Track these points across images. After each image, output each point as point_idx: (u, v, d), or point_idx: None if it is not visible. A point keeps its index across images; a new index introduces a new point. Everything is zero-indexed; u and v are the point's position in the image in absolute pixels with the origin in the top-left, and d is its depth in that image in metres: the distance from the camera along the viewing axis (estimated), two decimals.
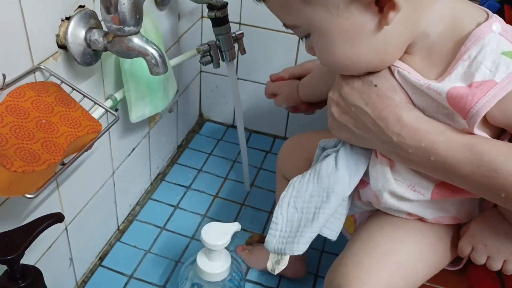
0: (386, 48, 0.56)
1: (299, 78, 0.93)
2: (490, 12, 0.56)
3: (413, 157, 0.57)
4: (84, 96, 0.71)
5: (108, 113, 0.90)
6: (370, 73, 0.60)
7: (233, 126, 1.45)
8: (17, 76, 0.63)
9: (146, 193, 1.19)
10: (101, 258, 1.03)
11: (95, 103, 0.72)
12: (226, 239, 0.82)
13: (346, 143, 0.67)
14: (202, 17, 1.26)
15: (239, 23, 1.24)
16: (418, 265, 0.66)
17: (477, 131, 0.54)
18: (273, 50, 1.27)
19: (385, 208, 0.68)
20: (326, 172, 0.66)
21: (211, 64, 1.02)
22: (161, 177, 1.24)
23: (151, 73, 0.72)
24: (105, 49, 0.72)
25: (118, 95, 0.89)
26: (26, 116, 0.59)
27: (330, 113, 0.66)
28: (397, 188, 0.63)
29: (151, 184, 1.21)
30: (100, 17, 0.73)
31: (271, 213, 1.18)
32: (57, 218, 0.61)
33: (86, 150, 0.66)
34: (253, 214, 1.18)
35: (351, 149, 0.67)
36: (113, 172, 0.99)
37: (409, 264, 0.65)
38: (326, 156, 0.69)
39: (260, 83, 1.35)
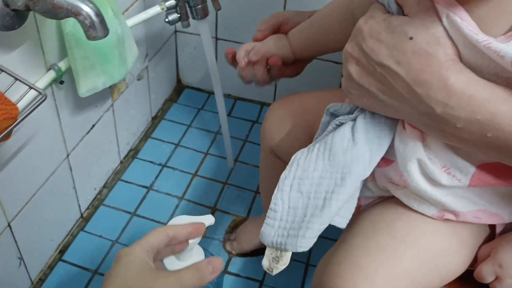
0: None
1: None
2: None
3: (462, 133, 0.43)
4: (1, 70, 0.55)
5: (55, 90, 0.75)
6: (404, 19, 0.45)
7: None
8: None
9: (115, 173, 1.05)
10: (61, 252, 0.90)
11: (16, 79, 0.56)
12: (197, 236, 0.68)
13: (366, 110, 0.52)
14: None
15: None
16: (430, 275, 0.52)
17: None
18: (257, 5, 1.10)
19: (408, 197, 0.54)
20: (341, 146, 0.52)
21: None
22: (132, 154, 1.10)
23: (87, 37, 0.56)
24: (27, 9, 0.56)
25: (63, 64, 0.74)
26: None
27: (346, 73, 0.50)
28: (430, 168, 0.49)
29: (121, 162, 1.07)
30: None
31: (257, 192, 1.05)
32: None
33: (2, 139, 0.52)
34: (237, 195, 1.05)
35: (372, 117, 0.52)
36: (68, 155, 0.85)
37: (419, 273, 0.52)
38: (338, 126, 0.54)
39: (243, 43, 1.18)
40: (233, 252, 0.94)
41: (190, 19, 0.87)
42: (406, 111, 0.46)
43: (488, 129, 0.41)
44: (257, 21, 1.14)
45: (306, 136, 0.70)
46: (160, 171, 1.08)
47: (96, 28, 0.55)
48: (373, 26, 0.46)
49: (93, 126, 0.91)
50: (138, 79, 1.05)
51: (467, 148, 0.46)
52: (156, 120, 1.19)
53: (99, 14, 0.55)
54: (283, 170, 0.55)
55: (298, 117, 0.73)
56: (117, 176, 1.05)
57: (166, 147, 1.14)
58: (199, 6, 0.85)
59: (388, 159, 0.53)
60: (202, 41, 0.92)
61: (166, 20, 0.85)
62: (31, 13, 0.62)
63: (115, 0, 0.74)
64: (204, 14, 0.87)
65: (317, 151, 0.53)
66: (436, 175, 0.49)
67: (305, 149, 0.54)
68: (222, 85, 1.01)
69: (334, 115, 0.57)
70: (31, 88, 0.56)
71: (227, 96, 1.25)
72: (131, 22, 0.82)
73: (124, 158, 1.08)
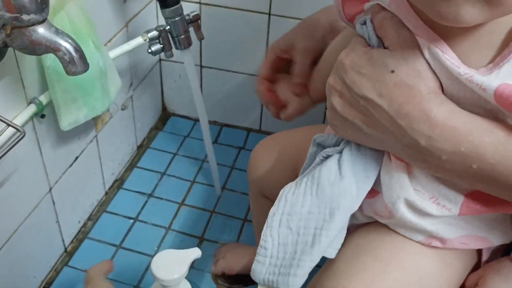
0: None
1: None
2: None
3: (447, 165, 0.43)
4: None
5: (37, 123, 0.74)
6: (385, 52, 0.45)
7: None
8: None
9: (100, 205, 1.03)
10: None
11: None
12: (183, 271, 0.67)
13: (352, 142, 0.52)
14: None
15: (199, 3, 1.07)
16: None
17: None
18: (240, 32, 1.11)
19: (395, 226, 0.54)
20: (328, 180, 0.51)
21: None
22: (118, 184, 1.08)
23: (67, 72, 0.56)
24: (5, 45, 0.56)
25: (44, 98, 0.73)
26: None
27: (330, 105, 0.50)
28: (418, 200, 0.49)
29: (106, 193, 1.05)
30: None
31: (245, 220, 1.04)
32: None
33: None
34: (225, 223, 1.03)
35: (357, 150, 0.52)
36: (50, 188, 0.83)
37: None
38: (325, 158, 0.54)
39: (227, 70, 1.18)
40: (218, 273, 0.91)
41: (174, 49, 0.87)
42: (390, 143, 0.46)
43: (472, 160, 0.41)
44: (241, 48, 1.15)
45: (293, 174, 0.69)
46: (146, 201, 1.06)
47: (76, 63, 0.55)
48: (355, 59, 0.46)
49: (77, 158, 0.89)
50: (123, 109, 1.04)
51: (453, 179, 0.46)
52: (141, 149, 1.18)
53: (78, 49, 0.55)
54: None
55: (283, 156, 0.73)
56: (102, 207, 1.03)
57: (152, 176, 1.12)
58: (182, 36, 0.85)
59: (374, 189, 0.53)
60: (185, 66, 0.91)
61: (149, 51, 0.84)
62: (10, 48, 0.61)
63: (96, 32, 0.74)
64: (187, 44, 0.87)
65: (304, 186, 0.52)
66: (424, 206, 0.49)
67: (293, 183, 0.54)
68: (208, 111, 1.01)
69: (320, 146, 0.57)
70: (8, 125, 0.55)
71: (212, 123, 1.24)
72: (113, 53, 0.81)
73: (109, 188, 1.06)
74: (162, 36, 0.84)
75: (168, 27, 0.84)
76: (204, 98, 0.99)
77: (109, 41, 0.91)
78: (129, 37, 0.99)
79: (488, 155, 0.40)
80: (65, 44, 0.54)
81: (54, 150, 0.81)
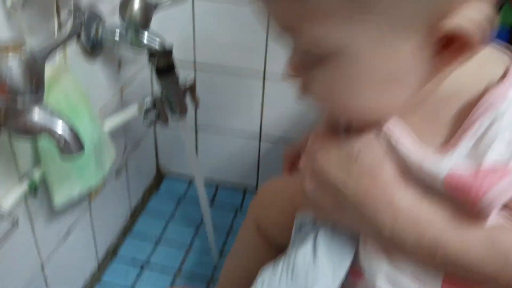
0: (400, 100, 0.41)
1: None
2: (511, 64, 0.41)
3: (412, 254, 0.43)
4: None
5: (29, 199, 0.71)
6: (349, 134, 0.45)
7: None
8: None
9: (93, 277, 0.98)
10: None
11: None
12: None
13: (328, 222, 0.51)
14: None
15: (194, 64, 1.07)
16: None
17: (495, 216, 0.40)
18: (235, 94, 1.11)
19: None
20: (303, 265, 0.51)
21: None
22: (111, 254, 1.04)
23: (61, 154, 0.53)
24: None
25: (37, 173, 0.70)
26: None
27: (302, 187, 0.50)
28: (401, 281, 0.47)
29: (99, 265, 1.00)
30: None
31: None
32: None
33: None
34: None
35: (333, 230, 0.51)
36: (42, 265, 0.79)
37: None
38: (303, 238, 0.53)
39: (223, 130, 1.17)
40: None
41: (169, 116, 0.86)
42: (359, 227, 0.46)
43: (436, 249, 0.41)
44: (233, 108, 1.14)
45: (291, 217, 0.69)
46: (141, 270, 1.02)
47: (70, 146, 0.53)
48: (322, 144, 0.46)
49: (69, 231, 0.86)
50: (117, 174, 1.01)
51: (422, 265, 0.45)
52: (135, 213, 1.14)
53: (73, 131, 0.53)
54: (262, 252, 0.53)
55: (286, 197, 0.73)
56: (95, 280, 0.98)
57: (147, 243, 1.08)
58: (177, 104, 0.84)
59: (359, 272, 0.51)
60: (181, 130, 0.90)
61: (145, 120, 0.83)
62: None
63: (90, 105, 0.72)
64: (183, 111, 0.86)
65: (281, 269, 0.52)
66: (407, 285, 0.47)
67: (271, 266, 0.54)
68: (203, 170, 0.99)
69: (301, 225, 0.57)
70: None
71: (208, 181, 1.22)
72: (108, 125, 0.80)
73: (103, 259, 1.02)
74: (158, 104, 0.83)
75: (164, 94, 0.83)
76: (200, 157, 0.98)
77: (104, 107, 0.89)
78: (124, 102, 0.98)
79: (451, 245, 0.40)
80: (60, 127, 0.52)
81: (46, 225, 0.78)
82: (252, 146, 1.19)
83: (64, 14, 0.71)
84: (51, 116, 0.52)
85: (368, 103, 0.40)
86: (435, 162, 0.40)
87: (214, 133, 1.19)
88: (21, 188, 0.68)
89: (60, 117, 0.52)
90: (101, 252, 1.01)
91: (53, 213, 0.79)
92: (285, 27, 0.38)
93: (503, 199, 0.38)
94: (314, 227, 0.55)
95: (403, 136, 0.42)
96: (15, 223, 0.52)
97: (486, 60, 0.41)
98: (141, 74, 1.04)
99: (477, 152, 0.39)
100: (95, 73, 0.86)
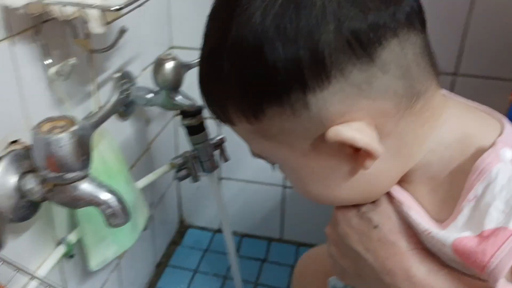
0: (371, 187, 0.44)
1: None
2: (505, 126, 0.42)
3: None
4: (18, 268, 0.52)
5: (64, 262, 0.71)
6: (369, 206, 0.46)
7: (221, 231, 1.25)
8: None
9: None
10: None
11: (33, 277, 0.52)
12: None
13: None
14: (175, 115, 1.10)
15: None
16: None
17: (506, 283, 0.39)
18: None
19: None
20: None
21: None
22: None
23: (108, 225, 0.54)
24: (44, 199, 0.54)
25: (73, 237, 0.70)
26: None
27: (328, 253, 0.52)
28: None
29: None
30: None
31: None
32: None
33: None
34: None
35: None
36: None
37: None
38: None
39: (246, 181, 1.18)
40: None
41: (199, 173, 0.87)
42: None
43: None
44: (260, 161, 1.14)
45: None
46: None
47: (118, 216, 0.53)
48: (345, 211, 0.47)
49: None
50: (144, 230, 1.01)
51: None
52: (160, 267, 1.13)
53: (120, 201, 0.53)
54: None
55: (328, 271, 0.73)
56: None
57: None
58: (208, 160, 0.85)
59: None
60: (207, 181, 0.90)
61: (176, 177, 0.83)
62: None
63: (126, 167, 0.73)
64: (213, 167, 0.86)
65: None
66: None
67: None
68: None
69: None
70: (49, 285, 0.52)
71: (232, 233, 1.21)
72: (141, 184, 0.80)
73: None
74: (189, 162, 0.83)
75: (195, 152, 0.83)
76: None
77: (130, 168, 0.90)
78: (151, 160, 0.99)
79: None
80: (107, 198, 0.52)
81: (78, 286, 0.77)
82: (275, 194, 1.18)
83: (100, 78, 0.73)
84: (99, 188, 0.52)
85: (320, 194, 0.44)
86: (444, 229, 0.41)
87: (237, 185, 1.19)
88: (58, 253, 0.68)
89: (107, 188, 0.53)
90: None
91: (86, 274, 0.79)
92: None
93: (510, 260, 0.37)
94: None
95: (413, 204, 0.43)
96: None
97: (478, 125, 0.43)
98: (166, 130, 1.06)
99: (477, 218, 0.39)
100: (126, 132, 0.87)
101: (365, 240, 0.45)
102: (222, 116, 0.42)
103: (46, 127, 0.50)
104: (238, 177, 1.18)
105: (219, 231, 1.25)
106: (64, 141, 0.48)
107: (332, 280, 0.60)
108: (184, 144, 0.90)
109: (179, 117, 1.00)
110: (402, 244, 0.44)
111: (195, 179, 0.85)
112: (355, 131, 0.37)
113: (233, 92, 0.39)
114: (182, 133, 1.08)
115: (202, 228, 1.26)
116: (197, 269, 1.14)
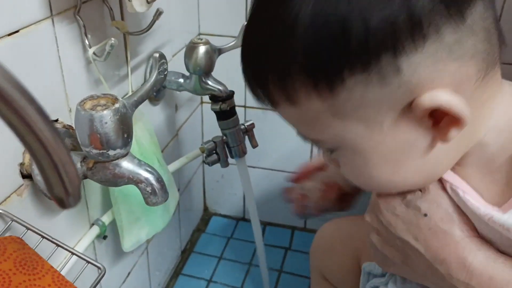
0: (436, 168, 0.42)
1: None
2: None
3: None
4: (58, 245, 0.52)
5: (97, 244, 0.72)
6: (416, 194, 0.45)
7: (244, 219, 1.26)
8: None
9: None
10: None
11: (73, 253, 0.53)
12: None
13: (397, 275, 0.52)
14: (202, 102, 1.10)
15: (244, 106, 1.08)
16: None
17: None
18: (283, 133, 1.11)
19: None
20: None
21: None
22: None
23: (147, 203, 0.54)
24: (85, 177, 0.55)
25: (106, 218, 0.71)
26: None
27: (369, 242, 0.50)
28: None
29: None
30: None
31: None
32: None
33: None
34: None
35: (402, 283, 0.51)
36: None
37: None
38: None
39: (271, 169, 1.17)
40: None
41: (229, 158, 0.87)
42: (432, 282, 0.45)
43: None
44: (281, 147, 1.14)
45: (353, 261, 0.70)
46: None
47: (157, 194, 0.54)
48: (388, 199, 0.46)
49: (129, 274, 0.86)
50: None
51: None
52: (185, 253, 1.14)
53: (160, 180, 0.54)
54: None
55: (346, 243, 0.72)
56: None
57: (198, 284, 1.07)
58: (238, 146, 0.85)
59: None
60: (232, 169, 0.90)
61: (206, 161, 0.84)
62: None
63: (160, 149, 0.74)
64: (242, 152, 0.86)
65: None
66: None
67: None
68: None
69: (370, 274, 0.58)
70: (89, 263, 0.53)
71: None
72: (172, 167, 0.81)
73: None
74: (219, 147, 0.83)
75: (225, 137, 0.84)
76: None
77: (162, 151, 0.91)
78: (180, 145, 0.99)
79: None
80: (148, 176, 0.53)
81: (110, 269, 0.78)
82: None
83: (133, 62, 0.74)
84: (139, 166, 0.53)
85: (384, 178, 0.42)
86: (506, 213, 0.39)
87: (262, 174, 1.19)
88: (92, 233, 0.69)
89: (147, 167, 0.53)
90: None
91: (117, 256, 0.80)
92: (295, 127, 0.43)
93: None
94: (383, 279, 0.54)
95: (466, 187, 0.42)
96: (103, 270, 0.52)
97: None
98: (194, 116, 1.06)
99: None
100: (156, 117, 0.88)
101: (414, 229, 0.43)
102: (280, 96, 0.39)
103: (89, 104, 0.50)
104: (262, 165, 1.17)
105: (242, 219, 1.26)
106: (107, 118, 0.49)
107: (367, 266, 0.60)
108: (210, 132, 0.90)
109: (206, 104, 1.00)
110: (456, 232, 0.42)
111: (225, 164, 0.85)
112: (451, 96, 0.35)
113: (306, 62, 0.35)
114: (209, 120, 1.10)
115: (226, 216, 1.26)
116: (222, 256, 1.15)
